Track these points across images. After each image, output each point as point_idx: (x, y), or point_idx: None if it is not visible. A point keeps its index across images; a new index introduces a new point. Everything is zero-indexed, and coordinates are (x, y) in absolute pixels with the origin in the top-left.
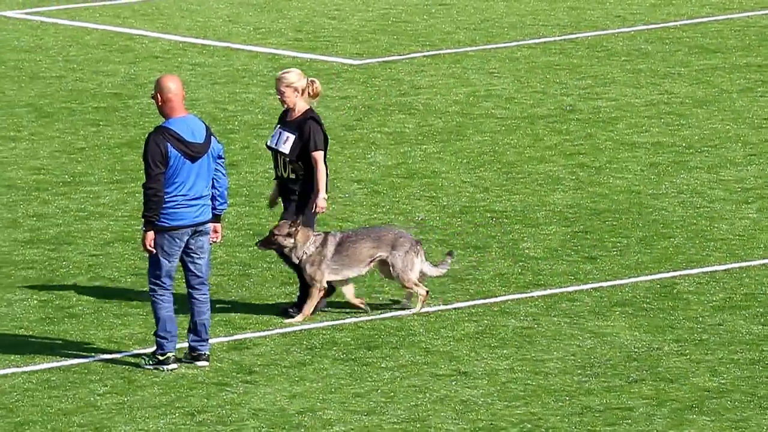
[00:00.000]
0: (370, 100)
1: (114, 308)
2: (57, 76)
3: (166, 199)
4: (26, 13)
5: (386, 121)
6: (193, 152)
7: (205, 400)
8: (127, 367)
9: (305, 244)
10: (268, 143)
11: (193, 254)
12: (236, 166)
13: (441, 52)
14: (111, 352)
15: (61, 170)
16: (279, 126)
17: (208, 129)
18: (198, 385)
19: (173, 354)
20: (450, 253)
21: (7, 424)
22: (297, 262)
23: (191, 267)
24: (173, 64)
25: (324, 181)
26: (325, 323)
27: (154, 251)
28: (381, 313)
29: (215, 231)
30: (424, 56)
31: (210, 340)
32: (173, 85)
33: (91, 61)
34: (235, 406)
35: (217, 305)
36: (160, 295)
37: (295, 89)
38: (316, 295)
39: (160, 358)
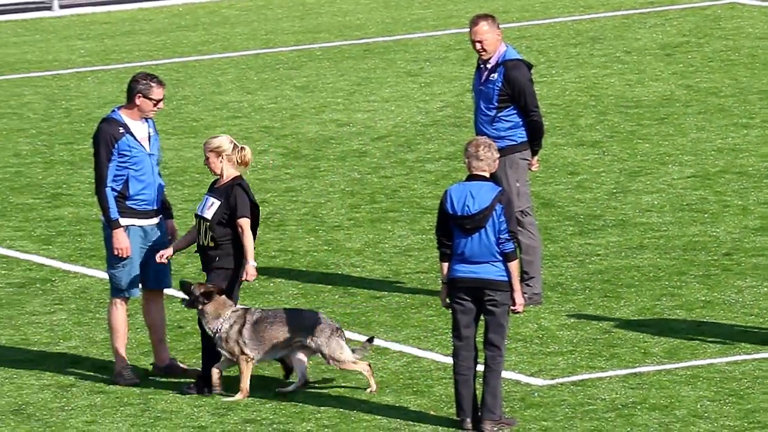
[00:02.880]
0: None
1: None
2: None
3: None
4: (763, 0)
5: None
6: None
7: None
8: None
9: (216, 318)
10: (197, 211)
11: None
12: None
13: None
14: None
15: None
16: (207, 193)
17: None
18: None
19: None
20: (370, 340)
21: (737, 411)
22: (210, 334)
23: None
24: None
25: (252, 249)
26: None
27: None
28: None
29: None
30: None
31: None
32: None
33: None
34: None
35: None
36: None
37: (219, 154)
38: (246, 369)
39: None
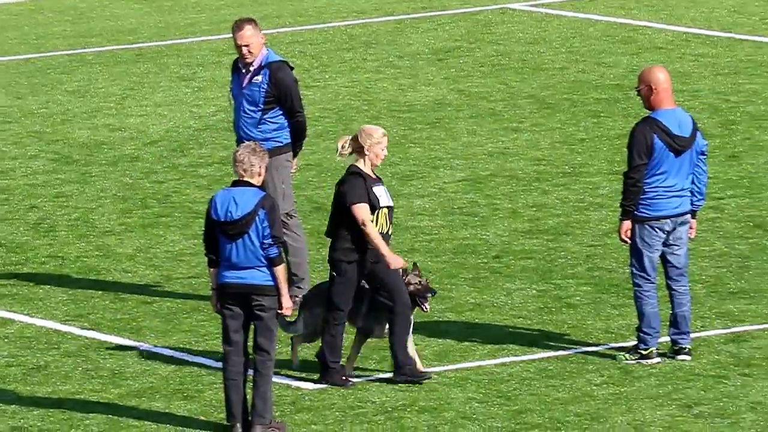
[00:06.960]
0: None
1: (612, 299)
2: (559, 67)
3: (647, 190)
4: (531, 5)
5: None
6: (678, 146)
7: (702, 392)
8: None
9: None
10: (384, 203)
11: (672, 245)
12: (737, 158)
13: None
14: (608, 343)
15: (562, 161)
16: (373, 185)
17: (694, 123)
18: (695, 377)
19: (655, 349)
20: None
21: (505, 412)
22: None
23: (670, 258)
24: (675, 55)
25: None
26: None
27: (629, 241)
28: None
29: (691, 227)
30: None
31: (708, 332)
32: (663, 77)
33: (594, 53)
34: (733, 399)
35: (715, 297)
36: (645, 290)
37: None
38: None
39: (643, 353)
